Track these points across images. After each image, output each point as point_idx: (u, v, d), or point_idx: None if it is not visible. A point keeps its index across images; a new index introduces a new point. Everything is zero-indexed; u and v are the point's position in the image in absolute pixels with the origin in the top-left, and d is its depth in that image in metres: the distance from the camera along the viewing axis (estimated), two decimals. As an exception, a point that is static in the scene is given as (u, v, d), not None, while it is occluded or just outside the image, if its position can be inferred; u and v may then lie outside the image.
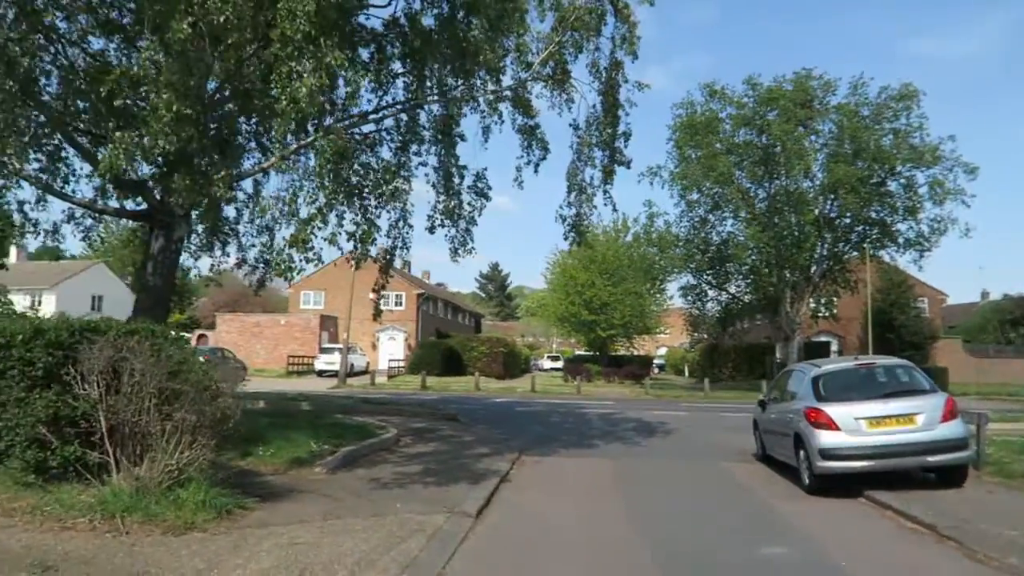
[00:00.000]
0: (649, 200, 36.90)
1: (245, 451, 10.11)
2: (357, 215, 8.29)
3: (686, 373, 52.58)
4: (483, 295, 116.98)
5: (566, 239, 14.59)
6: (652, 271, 35.46)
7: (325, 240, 7.62)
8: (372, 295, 14.68)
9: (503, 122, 15.42)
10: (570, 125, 15.24)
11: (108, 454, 6.65)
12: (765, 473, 11.08)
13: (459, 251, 14.53)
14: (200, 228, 15.53)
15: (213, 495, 6.55)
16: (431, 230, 14.03)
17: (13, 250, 58.00)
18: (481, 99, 14.51)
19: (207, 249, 15.78)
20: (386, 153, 15.46)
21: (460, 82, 14.40)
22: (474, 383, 33.03)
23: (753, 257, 33.05)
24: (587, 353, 49.40)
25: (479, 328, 71.71)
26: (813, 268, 33.10)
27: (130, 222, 16.08)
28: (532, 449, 13.16)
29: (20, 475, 6.80)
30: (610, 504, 8.66)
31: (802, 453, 9.45)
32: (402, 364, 45.07)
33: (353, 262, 8.22)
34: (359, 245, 8.16)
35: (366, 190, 7.45)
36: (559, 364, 51.98)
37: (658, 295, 40.33)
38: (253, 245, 16.63)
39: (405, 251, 15.63)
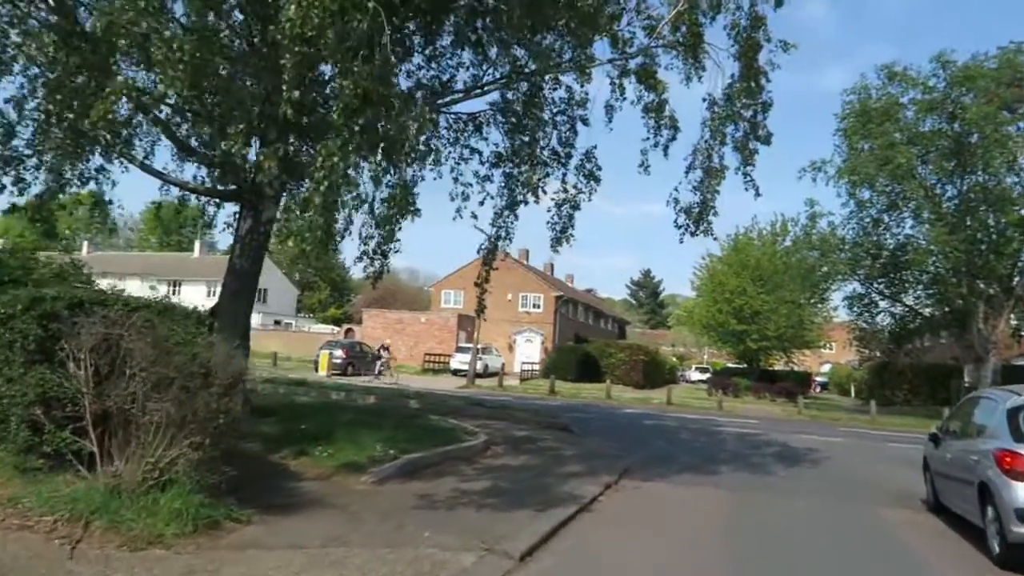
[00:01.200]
0: (811, 199, 32.39)
1: (302, 450, 9.21)
2: (391, 176, 7.05)
3: (852, 393, 47.06)
4: (634, 302, 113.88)
5: (678, 227, 12.52)
6: (811, 278, 31.57)
7: (344, 206, 6.35)
8: (476, 288, 13.49)
9: (624, 99, 13.73)
10: (703, 99, 13.13)
11: (93, 443, 5.79)
12: (935, 528, 8.46)
13: (560, 239, 12.97)
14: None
15: (194, 504, 5.47)
16: (512, 206, 12.65)
17: (196, 244, 64.11)
18: (597, 70, 12.93)
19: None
20: (496, 137, 14.29)
21: (574, 51, 12.93)
22: (606, 391, 31.10)
23: (937, 264, 28.37)
24: (737, 366, 45.66)
25: (623, 334, 69.18)
26: (1016, 278, 27.81)
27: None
28: (640, 471, 11.28)
29: (20, 460, 6.13)
30: (711, 556, 6.68)
31: (990, 511, 6.90)
32: (537, 367, 43.96)
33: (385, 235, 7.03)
34: (395, 213, 6.88)
35: (400, 145, 6.20)
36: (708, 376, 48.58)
37: (819, 305, 36.07)
38: (372, 237, 16.09)
39: (507, 242, 14.30)
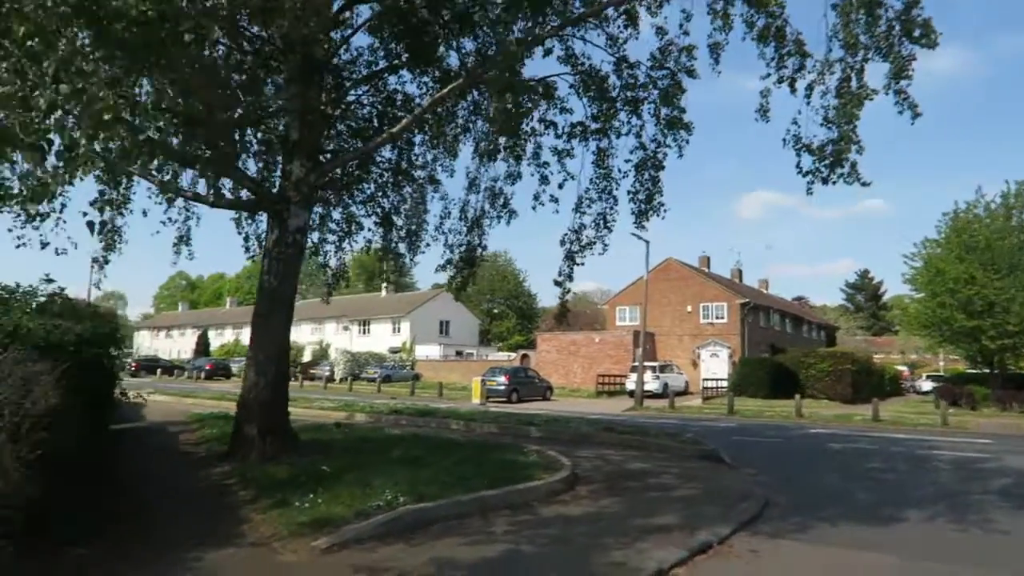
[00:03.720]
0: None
1: (284, 499, 7.33)
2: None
3: None
4: (850, 307, 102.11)
5: (803, 174, 9.08)
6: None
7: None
8: (556, 285, 11.14)
9: (731, 28, 10.81)
10: (832, 5, 9.71)
11: None
12: None
13: (646, 212, 10.09)
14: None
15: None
16: (606, 189, 9.98)
17: (383, 285, 67.21)
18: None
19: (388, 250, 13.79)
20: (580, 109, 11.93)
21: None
22: (795, 408, 26.32)
23: None
24: (977, 371, 37.42)
25: (832, 342, 61.08)
26: None
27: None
28: (778, 519, 8.02)
29: None
30: None
31: None
32: (724, 383, 39.33)
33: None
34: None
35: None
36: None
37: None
38: (461, 244, 14.30)
39: (606, 231, 11.64)
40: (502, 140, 10.37)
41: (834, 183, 8.80)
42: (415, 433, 13.59)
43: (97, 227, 10.32)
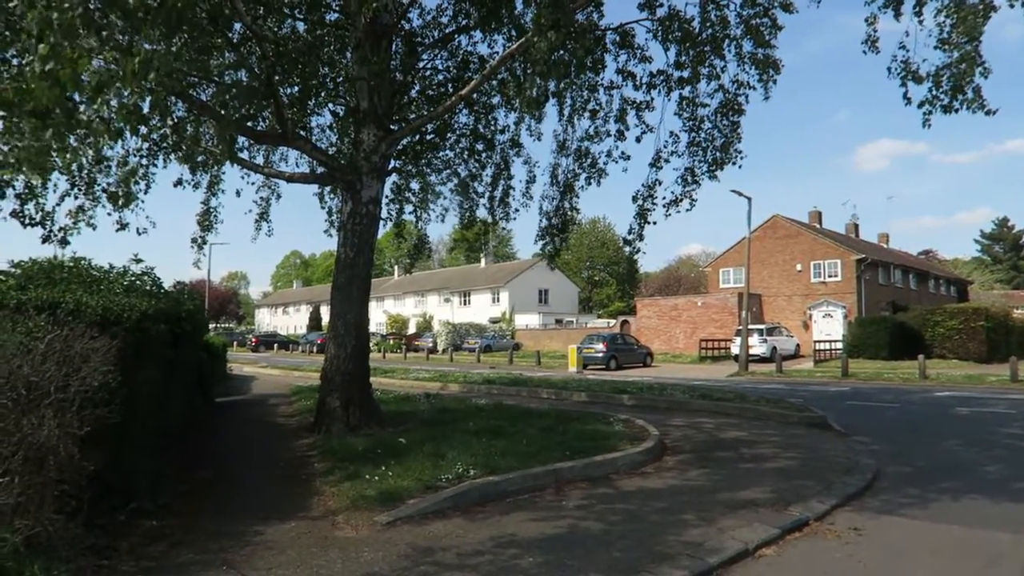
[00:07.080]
0: None
1: (356, 471, 7.30)
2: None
3: None
4: (987, 259, 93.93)
5: (908, 101, 7.95)
6: None
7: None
8: (626, 246, 10.52)
9: None
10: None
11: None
12: None
13: (721, 160, 9.25)
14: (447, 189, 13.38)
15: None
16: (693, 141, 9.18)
17: (483, 256, 67.78)
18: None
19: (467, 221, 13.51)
20: (660, 58, 11.03)
21: None
22: (919, 369, 24.28)
23: None
24: None
25: (964, 297, 56.22)
26: None
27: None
28: (889, 492, 7.29)
29: None
30: None
31: None
32: (839, 345, 37.03)
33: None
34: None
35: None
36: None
37: None
38: (556, 211, 13.84)
39: (694, 186, 10.86)
40: (551, 85, 9.76)
41: (956, 111, 7.66)
42: (500, 403, 13.40)
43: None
